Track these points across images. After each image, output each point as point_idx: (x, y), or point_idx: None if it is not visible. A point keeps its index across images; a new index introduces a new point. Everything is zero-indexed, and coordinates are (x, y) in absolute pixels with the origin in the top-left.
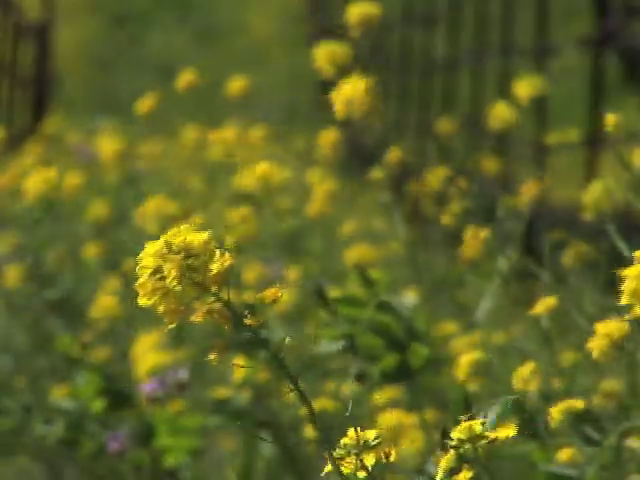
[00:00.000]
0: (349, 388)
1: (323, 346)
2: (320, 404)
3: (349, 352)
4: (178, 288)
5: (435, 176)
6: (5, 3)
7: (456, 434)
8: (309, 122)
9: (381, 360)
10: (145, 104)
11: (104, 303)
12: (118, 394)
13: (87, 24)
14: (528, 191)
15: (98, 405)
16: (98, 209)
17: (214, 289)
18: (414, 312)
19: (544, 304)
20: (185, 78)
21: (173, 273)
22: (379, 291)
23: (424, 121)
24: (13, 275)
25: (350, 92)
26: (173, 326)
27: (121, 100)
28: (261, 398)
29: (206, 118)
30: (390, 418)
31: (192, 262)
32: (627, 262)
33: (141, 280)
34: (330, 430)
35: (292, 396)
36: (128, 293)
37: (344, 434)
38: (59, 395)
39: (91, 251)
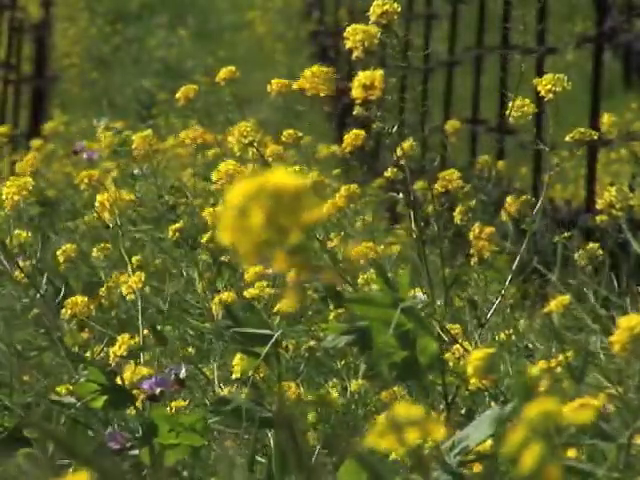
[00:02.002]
0: (356, 385)
1: (329, 340)
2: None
3: (359, 347)
4: (262, 230)
5: (448, 174)
6: (4, 2)
7: (533, 411)
8: (309, 122)
9: (392, 357)
10: (185, 94)
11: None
12: (119, 391)
13: (86, 23)
14: (510, 210)
15: (99, 402)
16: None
17: (298, 237)
18: (424, 310)
19: (557, 302)
20: (227, 71)
21: (259, 214)
22: (401, 293)
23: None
24: (20, 273)
25: (368, 78)
26: (253, 267)
27: (121, 99)
28: (262, 396)
29: (205, 117)
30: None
31: (281, 206)
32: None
33: (226, 217)
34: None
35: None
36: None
37: (346, 433)
38: (61, 392)
39: (98, 248)
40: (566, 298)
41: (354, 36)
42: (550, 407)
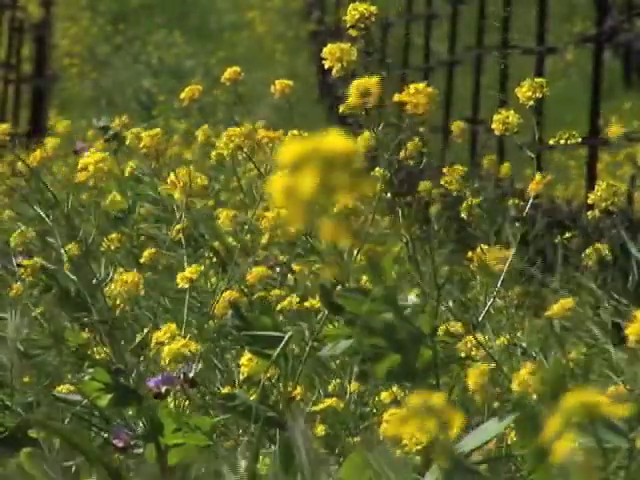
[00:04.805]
0: (353, 387)
1: (327, 349)
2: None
3: (352, 352)
4: (313, 192)
5: (451, 175)
6: (4, 1)
7: (570, 402)
8: (309, 121)
9: (384, 360)
10: (189, 94)
11: (124, 279)
12: (125, 389)
13: (88, 23)
14: (534, 188)
15: (104, 400)
16: (112, 202)
17: (348, 200)
18: (418, 312)
19: (560, 305)
20: (231, 72)
21: (310, 176)
22: (385, 279)
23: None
24: (26, 270)
25: (364, 84)
26: (298, 227)
27: (120, 99)
28: (268, 396)
29: (204, 117)
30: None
31: (332, 168)
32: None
33: (277, 177)
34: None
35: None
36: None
37: (349, 432)
38: (65, 390)
39: (109, 242)
40: (569, 301)
41: (332, 55)
42: (587, 398)
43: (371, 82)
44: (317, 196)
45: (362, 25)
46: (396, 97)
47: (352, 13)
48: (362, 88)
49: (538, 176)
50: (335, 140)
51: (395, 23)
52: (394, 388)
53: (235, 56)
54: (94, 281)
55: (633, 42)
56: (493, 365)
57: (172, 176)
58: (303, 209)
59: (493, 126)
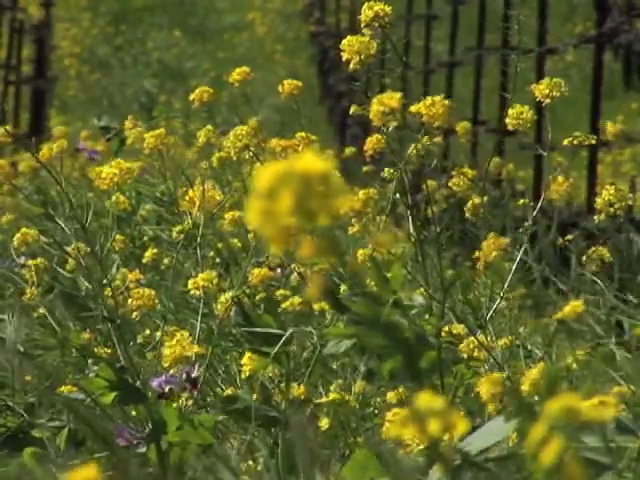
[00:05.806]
0: (358, 386)
1: (330, 346)
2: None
3: (357, 352)
4: (290, 214)
5: (459, 176)
6: (5, 3)
7: (554, 407)
8: (310, 122)
9: (389, 360)
10: (199, 96)
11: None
12: (129, 387)
13: (88, 24)
14: (557, 190)
15: (108, 397)
16: (115, 203)
17: (326, 222)
18: (423, 312)
19: (570, 308)
20: (240, 72)
21: (287, 198)
22: (394, 288)
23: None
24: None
25: (386, 104)
26: (278, 251)
27: (121, 100)
28: (270, 395)
29: (205, 117)
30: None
31: (309, 190)
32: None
33: (254, 200)
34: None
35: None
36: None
37: (353, 431)
38: (68, 389)
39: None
40: (579, 304)
41: (350, 47)
42: (572, 403)
43: (394, 98)
44: (295, 218)
45: (377, 24)
46: (413, 108)
47: (367, 12)
48: (384, 107)
49: (561, 178)
50: (310, 160)
51: (395, 24)
52: (400, 389)
53: (235, 57)
54: (104, 281)
55: (633, 43)
56: (500, 372)
57: (191, 193)
58: (281, 232)
59: (507, 121)
